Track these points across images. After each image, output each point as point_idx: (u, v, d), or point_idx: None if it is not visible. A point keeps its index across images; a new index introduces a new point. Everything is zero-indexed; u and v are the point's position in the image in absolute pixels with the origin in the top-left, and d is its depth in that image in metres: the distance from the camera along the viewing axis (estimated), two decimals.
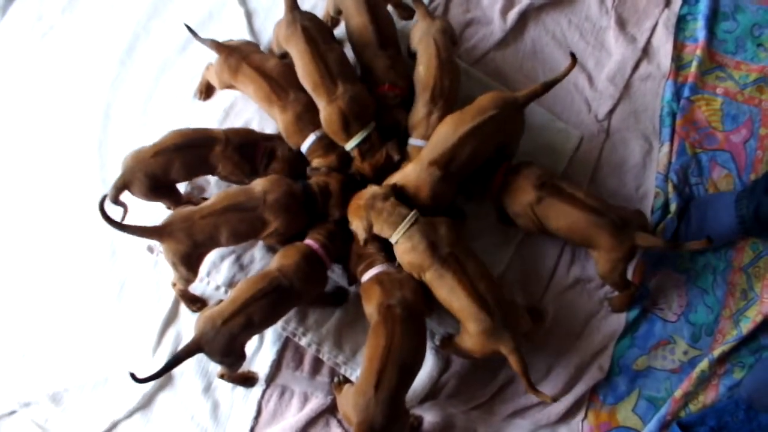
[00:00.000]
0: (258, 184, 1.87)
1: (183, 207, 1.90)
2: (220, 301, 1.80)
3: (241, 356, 1.84)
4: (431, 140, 1.86)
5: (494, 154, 1.92)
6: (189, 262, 1.84)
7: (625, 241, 1.82)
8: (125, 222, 1.90)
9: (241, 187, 1.88)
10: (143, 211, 2.01)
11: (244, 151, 1.94)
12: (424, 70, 1.97)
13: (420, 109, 1.96)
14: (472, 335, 1.74)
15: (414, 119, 1.98)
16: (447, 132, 1.83)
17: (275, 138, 2.03)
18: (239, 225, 1.82)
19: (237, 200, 1.83)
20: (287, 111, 1.95)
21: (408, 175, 1.85)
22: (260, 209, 1.82)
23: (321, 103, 1.92)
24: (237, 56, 1.98)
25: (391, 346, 1.68)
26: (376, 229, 1.81)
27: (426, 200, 1.83)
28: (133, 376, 1.69)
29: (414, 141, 1.97)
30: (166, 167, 1.88)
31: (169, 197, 1.97)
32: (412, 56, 2.07)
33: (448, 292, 1.75)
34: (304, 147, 1.97)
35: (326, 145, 1.96)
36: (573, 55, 1.88)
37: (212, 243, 1.84)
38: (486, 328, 1.71)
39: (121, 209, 1.95)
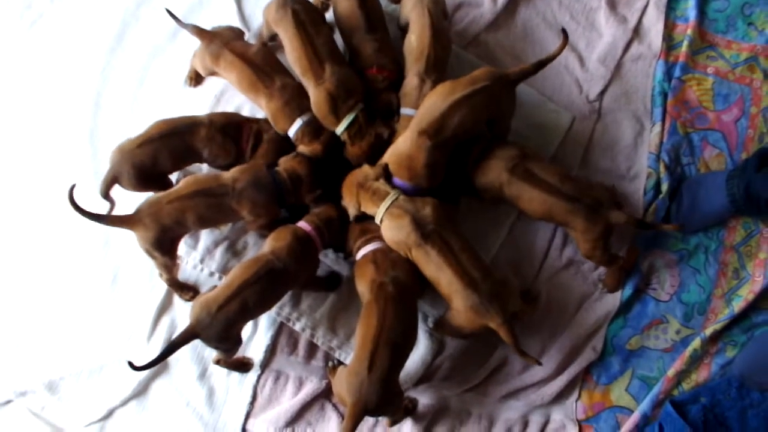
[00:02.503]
0: (229, 172, 1.87)
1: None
2: (215, 287, 1.81)
3: (238, 341, 1.85)
4: (419, 110, 1.86)
5: (485, 129, 1.92)
6: (162, 247, 1.84)
7: (598, 221, 1.83)
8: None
9: (211, 174, 1.89)
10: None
11: (228, 132, 1.94)
12: (416, 39, 1.97)
13: (411, 78, 1.96)
14: (459, 312, 1.75)
15: (405, 89, 1.97)
16: (436, 101, 1.83)
17: (260, 120, 2.02)
18: (206, 210, 1.83)
19: (206, 186, 1.83)
20: (274, 98, 1.94)
21: (400, 147, 1.86)
22: (228, 197, 1.83)
23: (310, 87, 1.92)
24: (218, 42, 1.98)
25: (383, 325, 1.68)
26: (363, 208, 1.84)
27: (421, 170, 1.83)
28: (130, 364, 1.69)
29: (405, 110, 1.96)
30: (154, 156, 1.89)
31: (160, 187, 1.95)
32: (402, 29, 2.06)
33: (435, 269, 1.75)
34: (291, 132, 1.97)
35: (312, 130, 1.96)
36: (565, 32, 1.89)
37: (180, 227, 1.84)
38: (473, 304, 1.72)
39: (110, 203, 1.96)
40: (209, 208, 1.82)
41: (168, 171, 1.97)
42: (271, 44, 2.11)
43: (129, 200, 1.97)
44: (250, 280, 1.73)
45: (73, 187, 1.79)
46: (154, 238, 1.81)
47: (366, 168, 1.88)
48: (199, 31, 2.01)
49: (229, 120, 1.97)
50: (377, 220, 1.83)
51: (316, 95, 1.91)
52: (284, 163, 1.93)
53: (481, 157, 1.91)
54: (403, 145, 1.84)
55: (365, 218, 1.89)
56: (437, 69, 1.95)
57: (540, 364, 1.79)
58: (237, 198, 1.83)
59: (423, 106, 1.85)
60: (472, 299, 1.72)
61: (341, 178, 1.92)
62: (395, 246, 1.82)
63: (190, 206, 1.81)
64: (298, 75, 1.95)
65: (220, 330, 1.72)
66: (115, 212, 1.92)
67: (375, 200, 1.82)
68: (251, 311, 1.77)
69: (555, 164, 1.97)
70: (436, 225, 1.77)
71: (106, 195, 1.92)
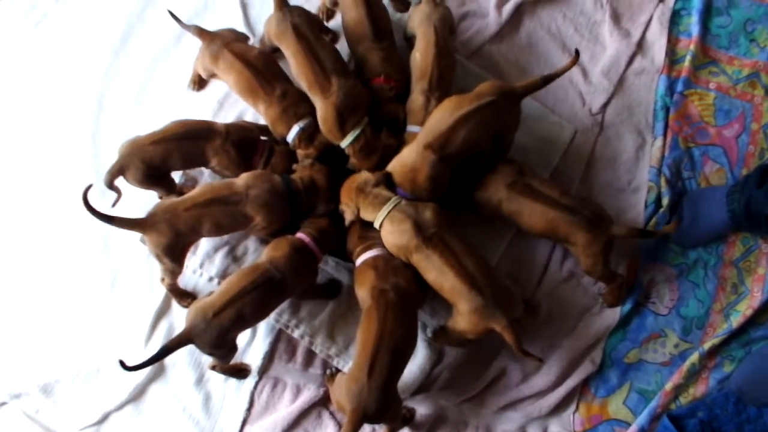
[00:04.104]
0: (241, 179, 1.86)
1: (167, 198, 1.90)
2: (212, 292, 1.79)
3: (232, 348, 1.84)
4: (426, 124, 1.86)
5: (490, 144, 1.92)
6: (173, 253, 1.83)
7: (600, 234, 1.83)
8: (114, 212, 1.88)
9: (225, 181, 1.87)
10: (135, 200, 2.01)
11: (242, 147, 1.93)
12: (420, 57, 1.97)
13: (417, 96, 1.96)
14: (464, 315, 1.74)
15: (411, 106, 1.97)
16: (443, 115, 1.83)
17: (272, 136, 2.02)
18: (222, 218, 1.82)
19: (221, 194, 1.82)
20: (273, 105, 1.93)
21: (405, 158, 1.85)
22: (242, 204, 1.82)
23: (317, 101, 1.92)
24: (218, 42, 1.97)
25: (383, 332, 1.67)
26: (362, 214, 1.83)
27: (425, 182, 1.82)
28: (122, 363, 1.67)
29: (411, 128, 1.96)
30: (165, 156, 1.88)
31: (163, 186, 1.96)
32: (408, 39, 2.07)
33: (437, 273, 1.74)
34: (289, 138, 1.96)
35: (308, 135, 1.96)
36: (577, 52, 1.89)
37: (195, 234, 1.84)
38: (477, 307, 1.71)
39: (113, 198, 1.95)
40: (224, 216, 1.82)
41: (174, 170, 1.97)
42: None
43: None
44: (247, 288, 1.73)
45: (87, 188, 1.77)
46: (167, 243, 1.80)
47: (366, 174, 1.88)
48: (200, 31, 2.00)
49: (245, 136, 1.95)
50: (376, 225, 1.82)
51: (323, 109, 1.90)
52: (301, 171, 1.93)
53: (482, 173, 1.92)
54: (408, 157, 1.84)
55: (364, 224, 1.89)
56: (441, 87, 1.95)
57: (542, 361, 1.77)
58: (251, 205, 1.82)
59: (429, 120, 1.85)
60: (477, 302, 1.71)
61: (340, 182, 1.92)
62: (395, 251, 1.81)
63: (207, 214, 1.80)
64: (304, 89, 1.94)
65: (214, 336, 1.72)
66: (119, 210, 1.90)
67: (375, 205, 1.81)
68: (247, 319, 1.76)
69: (553, 181, 1.97)
70: (438, 228, 1.77)
71: (110, 185, 1.90)
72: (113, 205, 1.95)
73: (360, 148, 1.93)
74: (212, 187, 1.84)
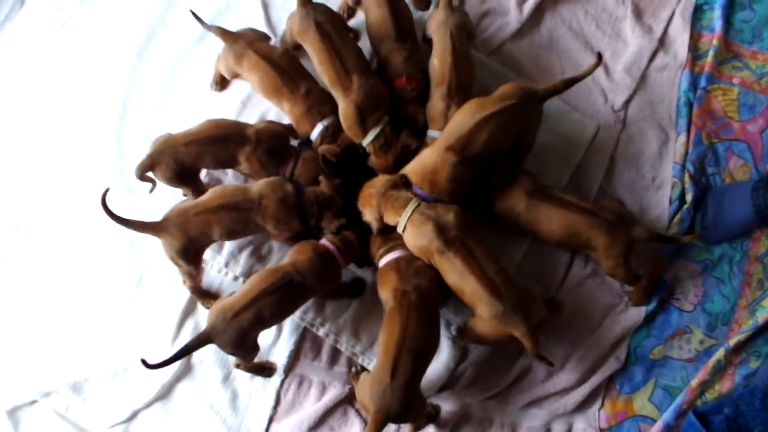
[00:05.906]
0: (256, 186, 1.86)
1: (188, 199, 1.91)
2: (234, 292, 1.80)
3: (254, 348, 1.85)
4: (448, 126, 1.86)
5: (511, 146, 1.92)
6: (187, 256, 1.85)
7: (621, 236, 1.84)
8: (132, 215, 1.90)
9: (238, 186, 1.88)
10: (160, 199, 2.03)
11: (272, 155, 1.94)
12: (438, 63, 1.98)
13: (437, 102, 1.97)
14: (484, 320, 1.75)
15: (431, 113, 1.98)
16: (464, 118, 1.83)
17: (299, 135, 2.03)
18: (232, 224, 1.83)
19: (232, 200, 1.83)
20: (297, 104, 1.95)
21: (425, 159, 1.86)
22: (253, 212, 1.82)
23: (339, 98, 1.93)
24: (242, 43, 1.98)
25: (405, 333, 1.69)
26: (385, 218, 1.84)
27: (444, 184, 1.83)
28: (144, 362, 1.69)
29: (432, 133, 1.97)
30: (196, 157, 1.89)
31: (190, 185, 1.97)
32: (427, 41, 2.07)
33: (459, 277, 1.75)
34: (313, 136, 1.98)
35: (333, 134, 1.98)
36: (599, 55, 1.89)
37: (206, 238, 1.85)
38: (497, 313, 1.72)
39: (138, 199, 1.97)
40: (235, 222, 1.82)
41: (205, 168, 1.99)
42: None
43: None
44: (268, 290, 1.74)
45: (106, 191, 1.79)
46: (180, 247, 1.82)
47: (382, 178, 1.89)
48: (222, 32, 2.02)
49: (275, 143, 1.95)
50: (399, 229, 1.83)
51: (344, 107, 1.92)
52: (322, 185, 1.92)
53: (502, 184, 1.92)
54: (429, 158, 1.85)
55: (386, 228, 1.90)
56: (460, 92, 1.96)
57: (552, 365, 1.77)
58: (262, 214, 1.83)
59: (451, 122, 1.86)
60: (497, 307, 1.72)
61: (356, 191, 1.93)
62: (418, 252, 1.82)
63: (216, 220, 1.81)
64: (327, 86, 1.96)
65: (234, 337, 1.74)
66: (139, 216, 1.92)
67: (397, 208, 1.82)
68: (266, 321, 1.77)
69: (570, 190, 1.98)
70: (459, 231, 1.77)
71: (141, 177, 1.91)
72: (150, 191, 1.96)
73: (380, 146, 1.94)
74: (225, 192, 1.85)
